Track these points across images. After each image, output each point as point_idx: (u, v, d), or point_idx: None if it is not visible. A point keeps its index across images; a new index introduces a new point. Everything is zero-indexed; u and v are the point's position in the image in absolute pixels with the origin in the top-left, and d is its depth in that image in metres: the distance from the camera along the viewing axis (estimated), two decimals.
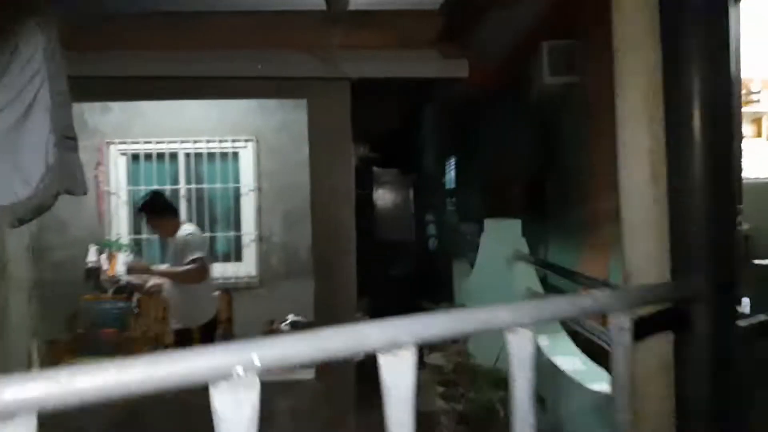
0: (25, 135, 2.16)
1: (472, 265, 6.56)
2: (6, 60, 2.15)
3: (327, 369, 4.01)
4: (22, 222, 2.15)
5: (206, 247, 4.51)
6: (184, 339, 4.36)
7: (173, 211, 4.57)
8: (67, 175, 2.20)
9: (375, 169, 12.34)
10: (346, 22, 3.76)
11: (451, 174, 10.62)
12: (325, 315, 4.05)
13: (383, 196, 13.48)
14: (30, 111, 2.17)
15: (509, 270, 4.05)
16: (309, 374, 4.05)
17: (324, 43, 3.82)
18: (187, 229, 4.47)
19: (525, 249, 4.08)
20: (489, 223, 4.67)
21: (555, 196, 5.83)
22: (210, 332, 4.50)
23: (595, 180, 5.20)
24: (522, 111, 6.50)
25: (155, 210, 4.46)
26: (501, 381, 3.77)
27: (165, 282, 4.61)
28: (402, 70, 4.00)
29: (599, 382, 2.49)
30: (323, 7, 3.71)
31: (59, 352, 5.32)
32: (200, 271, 4.28)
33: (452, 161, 10.41)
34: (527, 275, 3.86)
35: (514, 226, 4.26)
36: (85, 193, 2.34)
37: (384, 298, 7.25)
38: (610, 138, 5.11)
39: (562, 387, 2.75)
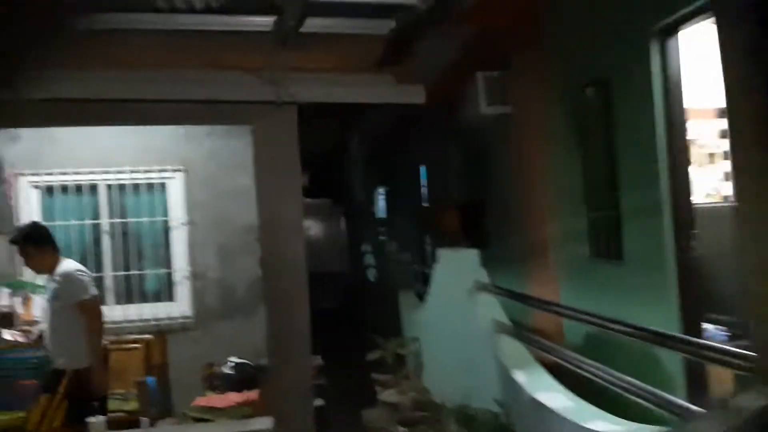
0: None
1: (419, 296, 6.39)
2: None
3: (286, 416, 3.67)
4: None
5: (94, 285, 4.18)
6: (54, 381, 3.88)
7: (53, 245, 4.09)
8: None
9: (304, 198, 12.05)
10: (295, 44, 3.53)
11: (385, 203, 10.50)
12: (279, 356, 3.71)
13: (313, 227, 13.19)
14: None
15: (470, 301, 3.88)
16: (267, 423, 3.69)
17: (271, 65, 3.57)
18: (70, 265, 4.07)
19: (485, 279, 3.92)
20: (443, 254, 4.51)
21: (495, 223, 5.80)
22: (87, 380, 3.93)
23: (534, 207, 5.20)
24: (460, 139, 6.49)
25: (34, 242, 3.96)
26: (472, 419, 3.56)
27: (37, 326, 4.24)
28: (355, 94, 3.81)
29: (596, 420, 2.32)
30: (269, 28, 3.48)
31: None
32: (100, 314, 4.05)
33: (387, 190, 10.30)
34: (491, 306, 3.70)
35: (472, 256, 4.12)
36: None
37: (327, 334, 6.93)
38: (545, 166, 5.13)
39: (554, 428, 2.56)
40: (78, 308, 3.90)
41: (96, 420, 3.80)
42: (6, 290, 4.97)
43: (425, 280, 7.02)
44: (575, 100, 4.33)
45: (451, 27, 4.03)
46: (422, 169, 8.11)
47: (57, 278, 3.99)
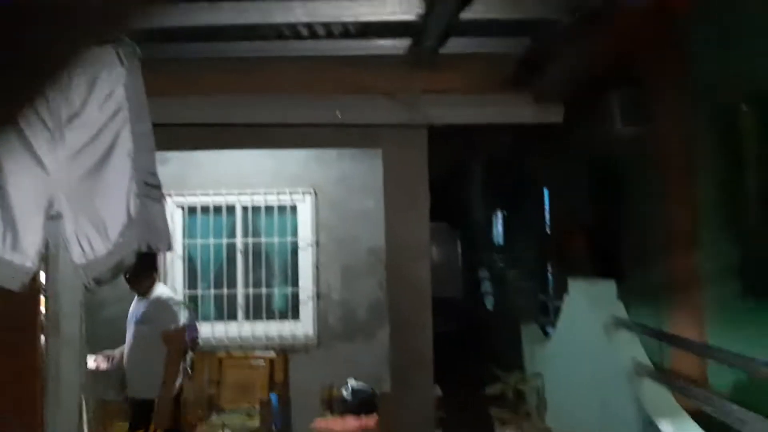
0: (104, 182, 1.91)
1: (542, 328, 6.10)
2: (84, 94, 1.91)
3: None
4: (99, 283, 1.88)
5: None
6: (144, 411, 3.72)
7: (156, 269, 4.07)
8: (150, 228, 1.93)
9: None
10: (429, 65, 3.53)
11: (504, 228, 10.23)
12: (402, 383, 3.66)
13: None
14: (110, 154, 1.92)
15: (606, 338, 3.61)
16: None
17: (404, 87, 3.58)
18: (164, 291, 3.99)
19: (623, 314, 3.65)
20: (575, 285, 4.25)
21: (629, 252, 5.40)
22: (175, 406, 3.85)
23: (677, 236, 4.78)
24: (591, 161, 6.16)
25: (142, 262, 3.54)
26: None
27: (118, 350, 4.02)
28: (491, 115, 3.71)
29: None
30: (405, 51, 3.49)
31: (109, 414, 5.00)
32: (182, 347, 3.93)
33: (506, 214, 10.03)
34: (631, 345, 3.42)
35: (608, 288, 3.85)
36: (169, 249, 2.05)
37: (442, 362, 6.80)
38: (690, 190, 4.65)
39: None
40: (162, 337, 3.77)
41: None
42: None
43: (547, 311, 6.70)
44: (728, 118, 3.97)
45: (587, 42, 3.86)
46: (553, 193, 7.72)
47: (150, 302, 3.87)
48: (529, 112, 3.75)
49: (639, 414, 3.22)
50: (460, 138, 7.35)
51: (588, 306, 3.93)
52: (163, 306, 3.85)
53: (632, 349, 3.38)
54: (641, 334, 3.52)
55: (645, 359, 3.33)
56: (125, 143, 1.94)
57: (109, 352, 4.12)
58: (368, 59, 3.63)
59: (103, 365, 4.05)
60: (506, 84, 3.70)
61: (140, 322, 3.84)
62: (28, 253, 1.80)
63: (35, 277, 2.28)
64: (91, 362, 3.89)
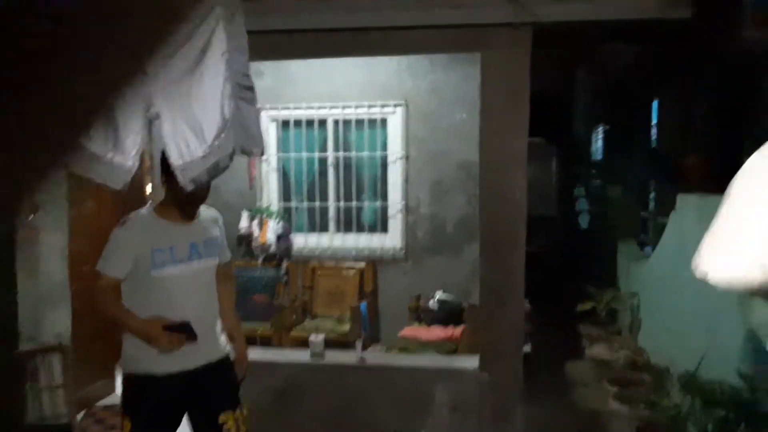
0: (199, 84, 1.91)
1: (640, 246, 5.83)
2: None
3: (493, 358, 3.60)
4: (196, 183, 1.92)
5: None
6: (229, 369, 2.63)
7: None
8: (244, 131, 1.93)
9: None
10: None
11: (605, 143, 9.70)
12: (491, 297, 3.62)
13: None
14: (204, 56, 1.92)
15: None
16: (473, 363, 3.67)
17: None
18: (213, 212, 2.61)
19: None
20: (684, 201, 3.97)
21: None
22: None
23: None
24: (712, 70, 5.61)
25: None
26: (704, 389, 3.16)
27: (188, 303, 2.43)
28: (610, 10, 3.33)
29: None
30: None
31: None
32: None
33: (608, 128, 9.47)
34: None
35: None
36: (262, 153, 2.05)
37: (533, 279, 6.70)
38: None
39: None
40: (226, 269, 2.68)
41: (315, 338, 4.13)
42: (246, 214, 5.54)
43: (647, 229, 6.38)
44: None
45: None
46: (666, 106, 7.11)
47: (209, 223, 2.52)
48: (652, 7, 3.32)
49: (748, 339, 3.02)
50: (560, 44, 6.86)
51: (698, 223, 3.66)
52: (222, 237, 2.62)
53: None
54: None
55: None
56: (219, 44, 1.92)
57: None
58: None
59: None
60: None
61: (204, 254, 2.44)
62: (129, 152, 1.86)
63: None
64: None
